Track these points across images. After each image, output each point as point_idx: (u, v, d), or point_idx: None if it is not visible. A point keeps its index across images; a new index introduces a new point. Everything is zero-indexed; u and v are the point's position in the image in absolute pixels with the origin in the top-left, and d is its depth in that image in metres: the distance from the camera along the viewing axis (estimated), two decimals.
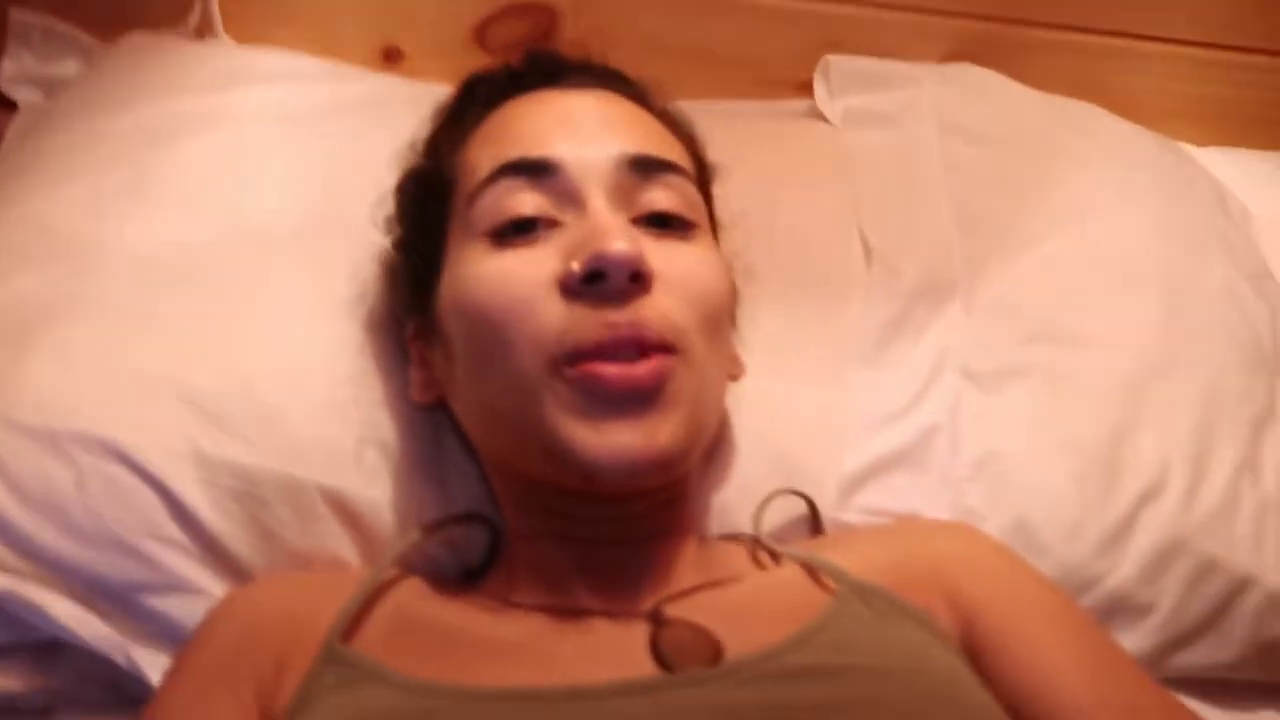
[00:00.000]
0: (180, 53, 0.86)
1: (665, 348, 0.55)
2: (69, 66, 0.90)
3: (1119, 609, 0.67)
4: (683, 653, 0.53)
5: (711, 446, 0.67)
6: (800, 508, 0.69)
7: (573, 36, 0.93)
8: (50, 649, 0.63)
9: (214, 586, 0.63)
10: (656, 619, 0.55)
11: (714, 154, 0.72)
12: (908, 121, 0.87)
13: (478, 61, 0.82)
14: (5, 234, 0.72)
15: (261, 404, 0.66)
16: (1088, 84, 0.94)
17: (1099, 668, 0.56)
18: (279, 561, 0.64)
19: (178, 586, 0.62)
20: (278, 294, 0.71)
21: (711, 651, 0.53)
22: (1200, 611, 0.68)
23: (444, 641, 0.56)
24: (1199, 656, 0.68)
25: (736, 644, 0.53)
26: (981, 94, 0.90)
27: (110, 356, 0.66)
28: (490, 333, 0.57)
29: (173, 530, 0.62)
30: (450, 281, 0.61)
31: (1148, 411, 0.73)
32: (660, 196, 0.60)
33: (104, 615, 0.62)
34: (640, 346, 0.54)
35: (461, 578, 0.65)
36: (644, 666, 0.52)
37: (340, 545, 0.65)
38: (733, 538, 0.67)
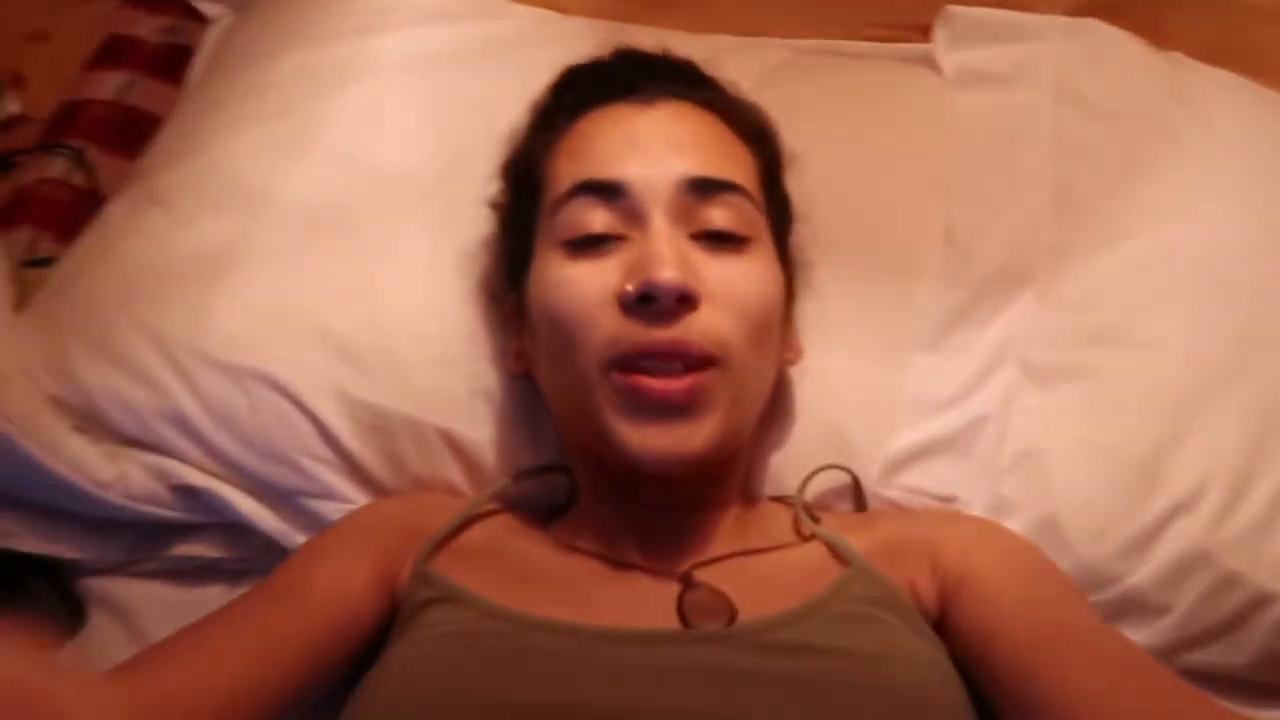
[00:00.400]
0: None
1: (707, 360, 0.63)
2: None
3: (1133, 607, 0.70)
4: (701, 613, 0.62)
5: (769, 414, 0.74)
6: (846, 478, 0.75)
7: None
8: (241, 527, 0.79)
9: (356, 496, 0.77)
10: (687, 580, 0.64)
11: (816, 104, 0.74)
12: (1022, 85, 0.85)
13: None
14: (195, 182, 0.85)
15: (391, 352, 0.78)
16: (1230, 44, 0.88)
17: (1040, 605, 0.60)
18: (405, 481, 0.78)
19: (328, 494, 0.77)
20: (408, 248, 0.81)
21: (727, 615, 0.62)
22: (1216, 619, 0.70)
23: (515, 571, 0.67)
24: (1212, 657, 0.71)
25: (750, 611, 0.61)
26: (1105, 58, 0.86)
27: (273, 301, 0.79)
28: (560, 333, 0.66)
29: (323, 451, 0.77)
30: (535, 278, 0.69)
31: (1199, 424, 0.73)
32: (717, 214, 0.66)
33: (274, 509, 0.78)
34: (683, 360, 0.62)
35: (545, 515, 0.76)
36: (669, 620, 0.62)
37: (453, 474, 0.78)
38: (780, 499, 0.75)
